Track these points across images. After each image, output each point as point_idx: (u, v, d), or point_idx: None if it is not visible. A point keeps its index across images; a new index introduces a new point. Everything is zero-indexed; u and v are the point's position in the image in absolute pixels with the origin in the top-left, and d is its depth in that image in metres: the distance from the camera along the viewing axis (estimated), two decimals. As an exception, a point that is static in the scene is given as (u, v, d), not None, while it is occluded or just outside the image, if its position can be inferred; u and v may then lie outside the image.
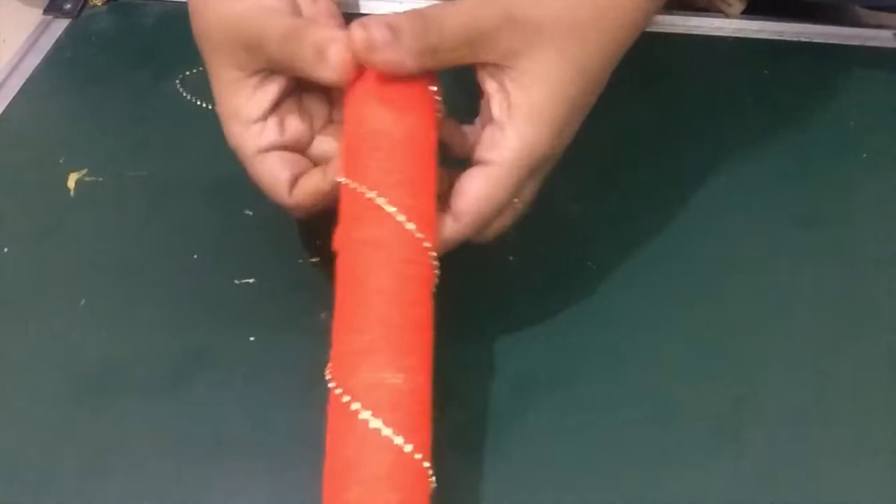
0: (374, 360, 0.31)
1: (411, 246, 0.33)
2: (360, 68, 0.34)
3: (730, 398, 0.39)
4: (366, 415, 0.30)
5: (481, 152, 0.35)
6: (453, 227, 0.35)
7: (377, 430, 0.30)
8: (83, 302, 0.43)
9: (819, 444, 0.38)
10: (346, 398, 0.31)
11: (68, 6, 0.60)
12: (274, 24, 0.35)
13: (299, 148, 0.38)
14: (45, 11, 0.60)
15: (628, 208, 0.47)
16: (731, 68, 0.56)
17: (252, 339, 0.41)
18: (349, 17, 0.35)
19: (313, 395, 0.38)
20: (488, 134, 0.35)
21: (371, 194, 0.32)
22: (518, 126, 0.34)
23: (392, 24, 0.32)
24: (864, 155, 0.50)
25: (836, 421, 0.38)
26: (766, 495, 0.36)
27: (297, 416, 0.38)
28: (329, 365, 0.33)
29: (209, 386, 0.39)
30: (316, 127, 0.39)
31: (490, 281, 0.43)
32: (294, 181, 0.37)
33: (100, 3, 0.61)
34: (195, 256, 0.45)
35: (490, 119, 0.35)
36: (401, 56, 0.32)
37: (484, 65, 0.35)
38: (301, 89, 0.38)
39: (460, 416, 0.38)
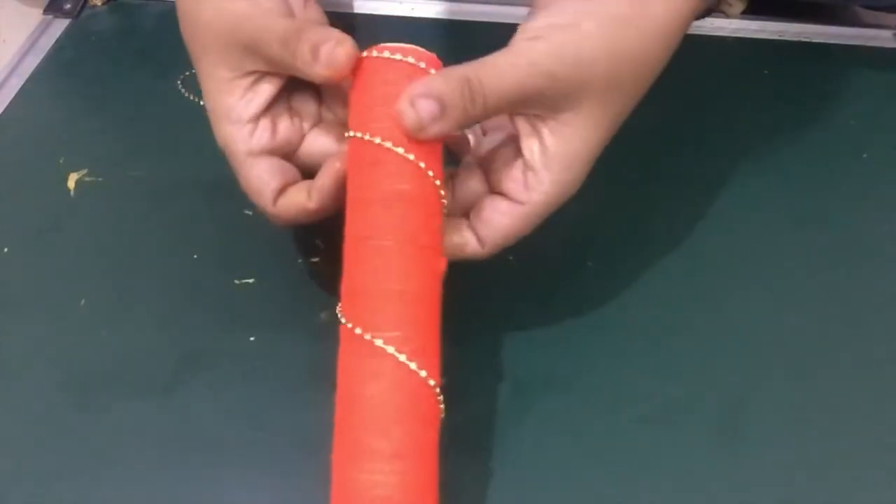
0: (382, 296, 0.32)
1: (414, 175, 0.33)
2: (355, 66, 0.34)
3: (730, 398, 0.39)
4: (377, 341, 0.32)
5: (513, 190, 0.36)
6: (477, 250, 0.37)
7: (390, 354, 0.31)
8: (83, 302, 0.43)
9: (819, 443, 0.38)
10: (357, 330, 0.32)
11: (68, 6, 0.60)
12: (274, 25, 0.35)
13: (290, 149, 0.38)
14: (45, 11, 0.60)
15: (628, 208, 0.47)
16: (731, 68, 0.56)
17: (252, 339, 0.41)
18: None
19: (313, 396, 0.38)
20: (519, 173, 0.36)
21: (377, 139, 0.33)
22: (554, 174, 0.35)
23: (440, 96, 0.33)
24: (865, 155, 0.50)
25: (836, 420, 0.38)
26: (766, 495, 0.36)
27: (297, 416, 0.38)
28: (340, 304, 0.33)
29: (209, 386, 0.39)
30: (306, 127, 0.39)
31: (490, 281, 0.43)
32: (281, 191, 0.37)
33: (100, 3, 0.61)
34: (195, 256, 0.45)
35: (512, 146, 0.36)
36: (448, 128, 0.33)
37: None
38: (291, 89, 0.39)
39: (460, 416, 0.38)
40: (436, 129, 0.33)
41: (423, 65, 0.34)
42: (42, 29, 0.59)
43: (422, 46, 0.36)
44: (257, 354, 0.40)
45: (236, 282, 0.43)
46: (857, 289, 0.44)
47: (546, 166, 0.35)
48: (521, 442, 0.38)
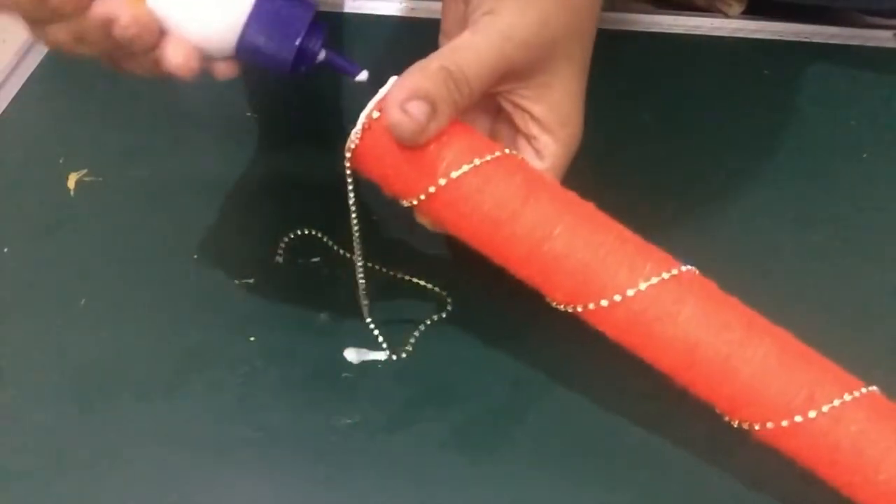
0: (620, 244, 0.36)
1: (511, 160, 0.35)
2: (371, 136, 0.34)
3: (730, 398, 0.39)
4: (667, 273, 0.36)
5: (529, 160, 0.36)
6: None
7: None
8: (83, 302, 0.43)
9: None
10: (652, 280, 0.35)
11: (68, 6, 0.60)
12: None
13: None
14: (45, 11, 0.60)
15: (628, 208, 0.47)
16: (731, 68, 0.56)
17: (252, 339, 0.41)
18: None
19: (313, 396, 0.38)
20: (526, 145, 0.36)
21: (464, 167, 0.33)
22: (554, 133, 0.36)
23: (426, 94, 0.31)
24: (864, 155, 0.50)
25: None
26: (765, 495, 0.36)
27: (297, 416, 0.38)
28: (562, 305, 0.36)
29: (209, 386, 0.39)
30: None
31: (490, 280, 0.43)
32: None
33: (100, 3, 0.61)
34: (195, 256, 0.45)
35: (504, 122, 0.37)
36: (442, 125, 0.32)
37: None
38: None
39: (460, 415, 0.38)
40: (433, 129, 0.31)
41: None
42: (42, 29, 0.59)
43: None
44: (257, 354, 0.40)
45: (236, 282, 0.43)
46: (857, 289, 0.43)
47: (546, 131, 0.36)
48: (521, 442, 0.38)
